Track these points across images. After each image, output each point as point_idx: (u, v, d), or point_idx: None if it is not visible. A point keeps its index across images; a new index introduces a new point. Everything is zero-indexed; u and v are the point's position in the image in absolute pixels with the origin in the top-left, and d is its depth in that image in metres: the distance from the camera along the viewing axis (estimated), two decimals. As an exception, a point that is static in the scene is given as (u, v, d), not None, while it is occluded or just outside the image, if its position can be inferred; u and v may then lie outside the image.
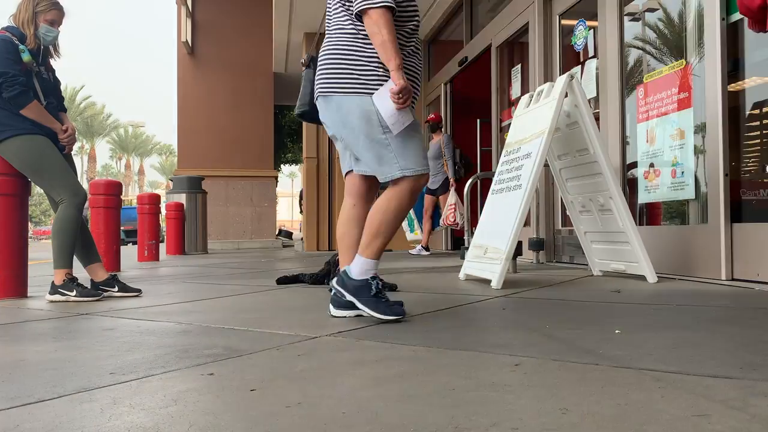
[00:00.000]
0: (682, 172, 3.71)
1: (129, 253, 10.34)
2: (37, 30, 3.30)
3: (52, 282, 3.26)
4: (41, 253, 11.92)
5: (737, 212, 3.34)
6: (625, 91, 4.34)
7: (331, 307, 2.40)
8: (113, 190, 5.68)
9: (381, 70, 2.26)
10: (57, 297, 3.21)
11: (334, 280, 2.42)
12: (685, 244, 3.64)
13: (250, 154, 12.20)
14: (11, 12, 3.35)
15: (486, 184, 6.93)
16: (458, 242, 8.37)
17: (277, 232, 14.30)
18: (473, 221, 5.08)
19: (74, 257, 3.44)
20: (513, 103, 6.17)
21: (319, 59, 2.42)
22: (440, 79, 8.84)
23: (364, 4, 2.20)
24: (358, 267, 2.30)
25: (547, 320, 2.17)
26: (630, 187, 4.25)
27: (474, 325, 2.12)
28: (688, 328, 1.93)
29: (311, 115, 2.66)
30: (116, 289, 3.38)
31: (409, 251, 7.67)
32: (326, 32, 2.46)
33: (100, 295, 3.29)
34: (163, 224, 11.49)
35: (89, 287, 3.32)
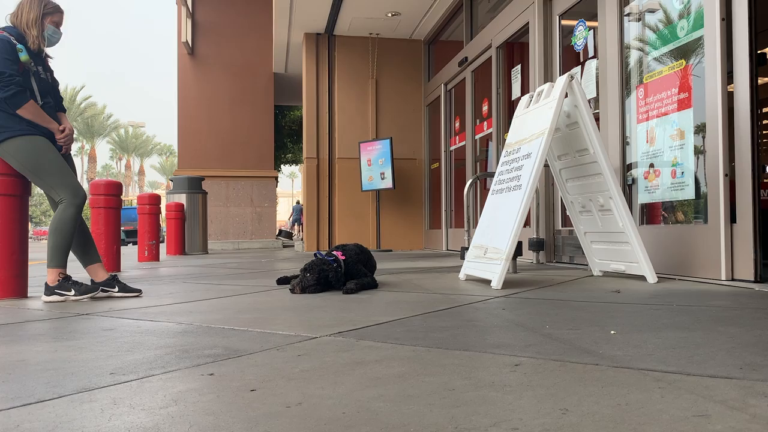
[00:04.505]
0: (682, 173, 3.71)
1: (129, 253, 10.34)
2: (44, 31, 3.33)
3: (46, 283, 3.26)
4: (41, 254, 11.91)
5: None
6: (625, 91, 4.34)
7: None
8: (113, 190, 5.68)
9: None
10: (55, 297, 3.21)
11: None
12: (685, 244, 3.65)
13: (250, 155, 12.21)
14: (10, 11, 3.36)
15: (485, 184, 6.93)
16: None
17: (277, 233, 14.30)
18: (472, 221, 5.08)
19: (74, 257, 3.45)
20: (484, 119, 6.18)
21: None
22: (440, 80, 8.84)
23: None
24: None
25: (547, 320, 2.17)
26: (630, 187, 4.25)
27: (474, 325, 2.12)
28: (688, 328, 1.93)
29: None
30: (116, 289, 3.37)
31: None
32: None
33: (98, 289, 3.29)
34: (163, 224, 11.50)
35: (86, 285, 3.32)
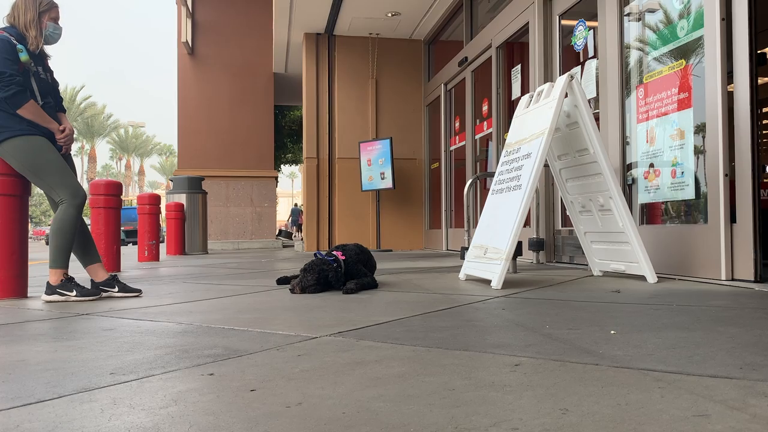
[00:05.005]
0: (682, 173, 3.71)
1: (129, 253, 10.35)
2: (45, 30, 3.33)
3: (48, 282, 3.26)
4: (41, 253, 11.91)
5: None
6: (625, 91, 4.34)
7: None
8: (113, 190, 5.68)
9: None
10: (56, 297, 3.21)
11: None
12: (685, 244, 3.64)
13: (250, 154, 12.21)
14: (5, 13, 3.36)
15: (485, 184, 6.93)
16: None
17: (277, 233, 14.30)
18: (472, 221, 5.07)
19: (74, 257, 3.45)
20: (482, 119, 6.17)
21: None
22: (440, 80, 8.84)
23: None
24: None
25: (547, 320, 2.17)
26: (630, 187, 4.25)
27: (474, 325, 2.12)
28: (688, 328, 1.93)
29: None
30: (116, 289, 3.37)
31: None
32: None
33: (100, 294, 3.29)
34: (163, 224, 11.50)
35: (88, 287, 3.32)
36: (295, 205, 28.22)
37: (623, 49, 4.36)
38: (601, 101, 4.55)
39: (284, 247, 12.38)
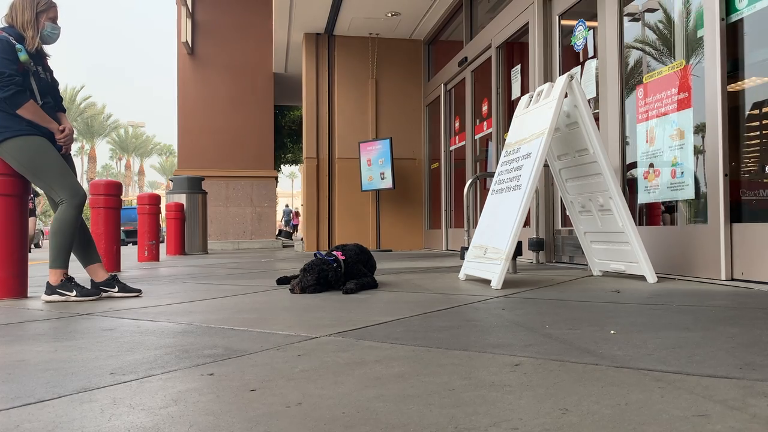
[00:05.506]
0: (682, 172, 3.71)
1: (129, 253, 10.34)
2: (43, 30, 3.32)
3: (48, 282, 3.25)
4: (41, 253, 11.92)
5: (737, 212, 3.34)
6: (624, 91, 4.34)
7: None
8: (113, 190, 5.68)
9: None
10: (55, 297, 3.21)
11: None
12: (685, 244, 3.65)
13: (250, 154, 12.21)
14: (4, 13, 3.35)
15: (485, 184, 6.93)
16: None
17: (276, 233, 14.30)
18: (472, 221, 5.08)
19: (74, 257, 3.45)
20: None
21: None
22: (439, 80, 8.84)
23: None
24: None
25: (546, 320, 2.17)
26: (630, 187, 4.25)
27: (474, 325, 2.12)
28: (688, 328, 1.93)
29: None
30: (116, 289, 3.37)
31: None
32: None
33: (100, 295, 3.29)
34: (163, 224, 11.50)
35: (88, 287, 3.32)
36: (286, 206, 29.24)
37: (623, 49, 4.36)
38: (600, 101, 4.55)
39: (284, 247, 12.38)
